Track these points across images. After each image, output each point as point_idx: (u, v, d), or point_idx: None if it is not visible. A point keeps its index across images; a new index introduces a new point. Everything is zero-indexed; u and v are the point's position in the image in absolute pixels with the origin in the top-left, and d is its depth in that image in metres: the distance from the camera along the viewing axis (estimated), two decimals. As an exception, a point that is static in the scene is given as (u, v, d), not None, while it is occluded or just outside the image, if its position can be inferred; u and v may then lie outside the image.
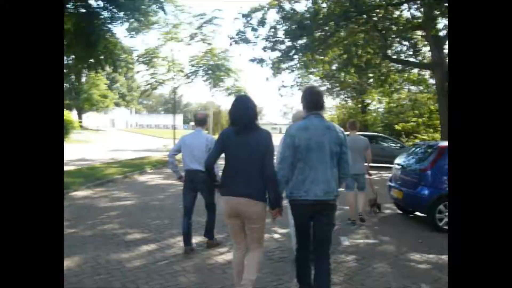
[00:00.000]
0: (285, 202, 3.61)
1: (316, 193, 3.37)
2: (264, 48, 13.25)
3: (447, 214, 6.80)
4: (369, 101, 37.11)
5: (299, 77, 31.60)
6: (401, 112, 30.26)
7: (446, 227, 6.81)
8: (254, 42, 13.30)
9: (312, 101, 3.57)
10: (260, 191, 3.35)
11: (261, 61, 14.03)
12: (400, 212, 8.40)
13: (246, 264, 3.47)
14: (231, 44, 13.42)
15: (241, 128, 3.38)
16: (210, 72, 20.95)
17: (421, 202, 6.99)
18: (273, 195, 3.35)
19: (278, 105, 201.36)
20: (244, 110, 3.42)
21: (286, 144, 3.44)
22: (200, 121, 5.46)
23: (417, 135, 24.65)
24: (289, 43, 13.42)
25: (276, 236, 6.28)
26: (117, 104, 70.19)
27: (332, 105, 54.56)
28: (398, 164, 8.13)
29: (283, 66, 18.54)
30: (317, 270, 3.56)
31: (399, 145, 19.56)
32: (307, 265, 3.69)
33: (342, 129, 3.63)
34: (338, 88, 39.86)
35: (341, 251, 5.59)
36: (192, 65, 20.47)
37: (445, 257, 5.42)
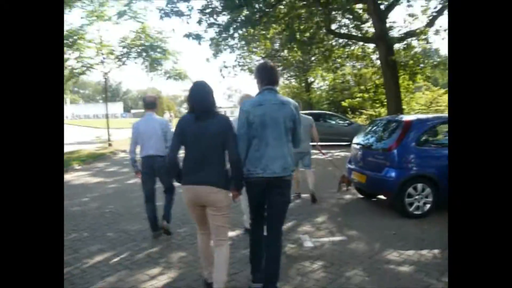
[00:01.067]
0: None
1: (274, 170, 3.35)
2: (200, 21, 11.59)
3: (417, 197, 6.00)
4: (313, 79, 36.71)
5: (241, 57, 30.36)
6: (346, 88, 29.99)
7: (416, 212, 6.03)
8: (188, 15, 11.69)
9: (266, 76, 3.52)
10: (222, 178, 3.31)
11: (197, 37, 12.41)
12: (362, 196, 7.51)
13: (216, 262, 3.39)
14: (161, 18, 11.62)
15: (200, 115, 3.31)
16: (144, 54, 19.13)
17: (388, 185, 6.10)
18: (236, 178, 3.35)
19: (221, 88, 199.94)
20: (202, 96, 3.36)
21: (241, 121, 3.38)
22: (150, 105, 5.30)
23: (363, 110, 24.34)
24: (228, 17, 12.05)
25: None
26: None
27: (275, 85, 54.32)
28: (358, 144, 7.18)
29: (223, 44, 17.28)
30: (268, 253, 3.50)
31: (347, 122, 19.00)
32: (261, 248, 3.63)
33: (296, 103, 3.56)
34: (281, 68, 39.29)
35: (305, 257, 4.55)
36: (123, 47, 18.51)
37: (425, 252, 4.58)
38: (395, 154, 6.05)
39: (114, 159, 15.26)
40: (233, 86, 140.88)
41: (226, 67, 26.72)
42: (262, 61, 5.28)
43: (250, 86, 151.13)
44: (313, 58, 27.07)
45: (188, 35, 12.47)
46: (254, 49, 31.42)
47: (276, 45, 32.02)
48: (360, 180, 6.70)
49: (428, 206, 6.04)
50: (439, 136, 6.41)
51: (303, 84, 38.18)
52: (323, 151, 7.61)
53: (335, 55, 18.53)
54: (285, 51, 28.52)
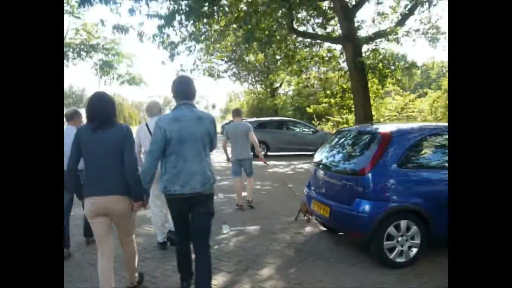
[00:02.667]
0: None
1: (193, 186, 3.32)
2: (132, 11, 9.47)
3: (399, 240, 4.29)
4: (278, 84, 35.18)
5: (200, 60, 28.46)
6: (311, 93, 28.53)
7: (399, 260, 4.31)
8: (116, 1, 9.53)
9: (181, 90, 3.48)
10: (124, 185, 3.29)
11: (122, 29, 10.13)
12: (326, 229, 5.74)
13: (125, 260, 3.61)
14: (80, 5, 9.35)
15: (98, 124, 3.28)
16: (85, 54, 16.94)
17: (360, 223, 4.34)
18: (134, 189, 3.32)
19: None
20: (100, 106, 3.34)
21: (155, 137, 3.33)
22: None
23: (329, 117, 22.84)
24: (170, 5, 10.07)
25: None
26: None
27: (240, 91, 52.71)
28: (319, 163, 5.40)
29: (166, 41, 15.34)
30: (197, 261, 3.43)
31: (312, 129, 17.37)
32: (189, 256, 3.66)
33: (212, 116, 3.59)
34: (245, 72, 37.66)
35: None
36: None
37: None
38: (370, 180, 4.30)
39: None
40: (199, 92, 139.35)
41: (183, 70, 24.76)
42: (181, 75, 4.59)
43: (216, 92, 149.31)
44: (277, 59, 25.69)
45: (116, 28, 10.29)
46: (215, 52, 29.77)
47: (240, 50, 30.57)
48: (322, 213, 4.91)
49: (414, 250, 4.35)
50: (427, 153, 4.70)
51: (268, 90, 36.69)
52: (269, 162, 8.15)
53: (299, 57, 16.89)
54: (250, 55, 27.05)
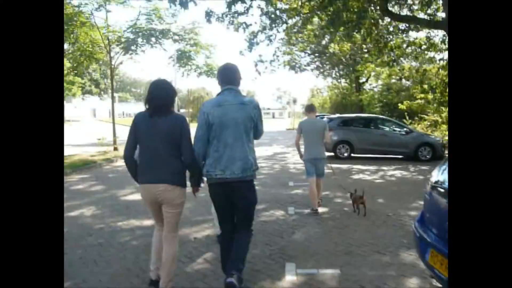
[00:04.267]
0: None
1: (233, 171, 3.32)
2: None
3: None
4: (365, 79, 32.53)
5: (280, 51, 26.82)
6: (403, 89, 25.65)
7: None
8: None
9: (226, 75, 3.50)
10: (177, 175, 3.32)
11: (181, 3, 8.71)
12: None
13: (163, 258, 3.46)
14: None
15: (152, 110, 3.29)
16: (153, 40, 15.93)
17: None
18: (193, 176, 3.46)
19: (270, 89, 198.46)
20: (158, 93, 3.33)
21: (200, 122, 3.38)
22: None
23: (424, 115, 20.01)
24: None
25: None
26: (89, 92, 65.05)
27: (323, 85, 50.38)
28: (440, 186, 3.36)
29: (257, 33, 13.97)
30: (235, 241, 3.46)
31: (404, 129, 14.90)
32: (231, 242, 3.51)
33: (256, 102, 3.56)
34: (329, 66, 35.49)
35: None
36: (131, 31, 15.40)
37: None
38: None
39: (103, 169, 12.24)
40: (282, 87, 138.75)
41: (262, 61, 23.28)
42: (227, 62, 3.68)
43: (297, 87, 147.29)
44: (365, 52, 23.22)
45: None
46: (298, 42, 27.96)
47: (324, 41, 28.55)
48: (440, 270, 2.93)
49: None
50: None
51: (353, 85, 34.21)
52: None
53: (392, 44, 14.55)
54: (333, 45, 24.85)
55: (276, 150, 16.58)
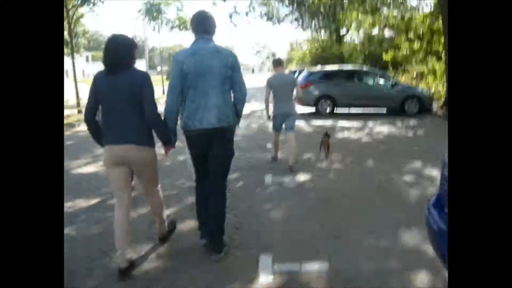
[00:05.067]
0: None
1: (210, 121, 3.23)
2: None
3: None
4: (346, 30, 31.16)
5: (257, 1, 25.17)
6: (384, 39, 24.51)
7: None
8: None
9: (199, 24, 3.34)
10: (143, 135, 3.14)
11: None
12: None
13: (152, 212, 3.56)
14: None
15: (110, 68, 3.08)
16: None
17: None
18: (160, 135, 3.25)
19: (249, 44, 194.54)
20: (114, 48, 3.12)
21: (174, 72, 3.23)
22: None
23: (408, 67, 19.06)
24: None
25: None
26: (60, 52, 62.10)
27: (303, 39, 48.61)
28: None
29: None
30: (212, 207, 3.39)
31: (391, 82, 13.97)
32: (207, 205, 3.44)
33: (233, 52, 3.44)
34: (308, 17, 33.86)
35: None
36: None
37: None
38: None
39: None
40: (260, 42, 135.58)
41: (237, 12, 21.84)
42: (200, 10, 3.44)
43: (277, 41, 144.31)
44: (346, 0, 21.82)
45: None
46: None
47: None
48: None
49: None
50: None
51: (333, 37, 32.79)
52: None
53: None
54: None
55: (254, 108, 15.50)
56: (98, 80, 3.13)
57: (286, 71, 6.35)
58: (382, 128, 10.44)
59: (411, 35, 14.64)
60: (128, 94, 3.04)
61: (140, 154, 3.12)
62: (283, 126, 6.24)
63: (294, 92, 6.36)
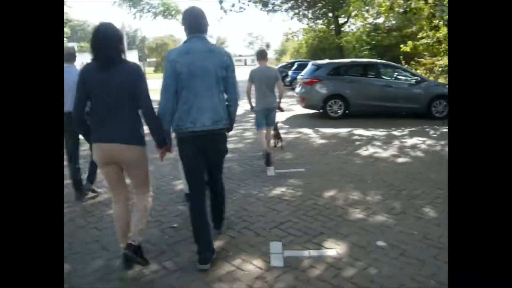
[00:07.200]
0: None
1: (204, 123, 3.12)
2: None
3: None
4: (345, 19, 28.56)
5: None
6: (393, 28, 22.07)
7: None
8: None
9: (192, 22, 3.24)
10: (134, 133, 3.03)
11: None
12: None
13: (134, 211, 3.25)
14: None
15: (104, 63, 2.94)
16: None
17: None
18: (155, 134, 3.11)
19: (242, 35, 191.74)
20: (105, 40, 2.94)
21: (167, 71, 3.14)
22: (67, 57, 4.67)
23: (420, 59, 16.63)
24: None
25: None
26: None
27: (298, 28, 45.82)
28: None
29: None
30: (213, 193, 3.51)
31: (414, 78, 11.43)
32: (204, 216, 3.24)
33: (228, 51, 3.36)
34: (304, 6, 31.28)
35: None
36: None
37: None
38: None
39: None
40: (254, 32, 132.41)
41: (227, -3, 19.31)
42: (192, 6, 3.27)
43: (271, 31, 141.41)
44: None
45: None
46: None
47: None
48: None
49: None
50: None
51: (332, 27, 30.23)
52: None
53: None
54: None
55: (248, 107, 13.05)
56: (87, 75, 2.98)
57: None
58: (413, 140, 7.92)
59: (435, 21, 12.11)
60: (121, 90, 2.92)
61: (129, 153, 3.01)
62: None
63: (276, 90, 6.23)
